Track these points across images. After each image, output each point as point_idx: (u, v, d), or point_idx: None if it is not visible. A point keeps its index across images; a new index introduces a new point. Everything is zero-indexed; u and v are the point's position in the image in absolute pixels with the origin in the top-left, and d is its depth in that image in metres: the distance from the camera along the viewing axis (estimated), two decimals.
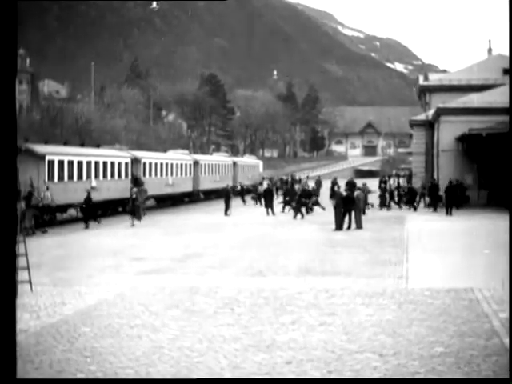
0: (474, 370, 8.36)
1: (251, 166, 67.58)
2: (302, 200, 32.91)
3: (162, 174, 44.33)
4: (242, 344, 9.70)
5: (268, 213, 35.08)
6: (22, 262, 13.46)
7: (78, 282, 15.25)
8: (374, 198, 38.42)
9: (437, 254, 19.05)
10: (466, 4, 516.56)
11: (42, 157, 30.98)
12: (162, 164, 44.66)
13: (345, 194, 27.91)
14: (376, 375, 8.26)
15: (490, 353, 9.02)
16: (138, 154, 42.93)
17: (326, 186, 48.73)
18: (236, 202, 42.94)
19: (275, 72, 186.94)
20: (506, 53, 51.18)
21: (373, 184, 46.03)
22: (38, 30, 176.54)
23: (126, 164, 39.23)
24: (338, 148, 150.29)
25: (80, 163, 34.11)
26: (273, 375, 8.33)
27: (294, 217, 31.86)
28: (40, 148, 31.98)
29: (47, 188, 30.14)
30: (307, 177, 68.19)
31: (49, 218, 30.08)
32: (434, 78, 54.18)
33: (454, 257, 18.23)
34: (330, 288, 13.88)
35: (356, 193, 29.09)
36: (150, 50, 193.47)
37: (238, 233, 26.38)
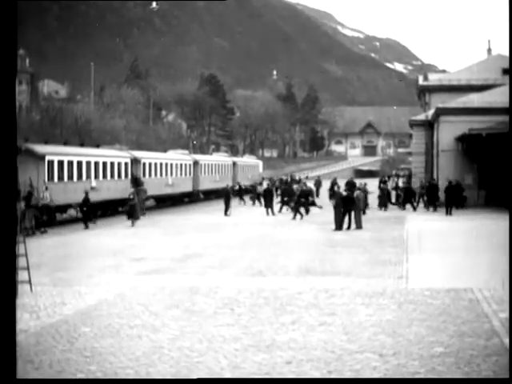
0: (473, 369, 8.35)
1: (251, 166, 67.60)
2: (300, 200, 32.91)
3: (161, 174, 44.34)
4: (241, 344, 9.70)
5: (268, 213, 35.08)
6: (21, 262, 13.47)
7: (78, 282, 15.26)
8: (372, 199, 38.39)
9: (437, 253, 19.05)
10: (465, 4, 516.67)
11: (41, 157, 30.99)
12: (161, 164, 44.68)
13: (344, 193, 27.92)
14: (376, 375, 8.26)
15: (489, 353, 9.02)
16: (138, 154, 42.93)
17: (325, 186, 48.77)
18: (235, 202, 42.96)
19: (275, 72, 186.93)
20: (506, 53, 51.21)
21: (373, 184, 46.04)
22: (37, 29, 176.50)
23: (126, 164, 39.24)
24: (337, 148, 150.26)
25: (80, 163, 34.12)
26: (273, 375, 8.33)
27: (294, 217, 31.86)
28: (40, 148, 31.98)
29: (46, 188, 30.13)
30: (306, 177, 68.26)
31: (48, 218, 30.06)
32: (434, 78, 54.14)
33: (454, 257, 18.23)
34: (329, 288, 13.88)
35: (356, 193, 29.09)
36: (150, 50, 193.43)
37: (238, 233, 26.38)
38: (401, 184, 45.78)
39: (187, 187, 49.05)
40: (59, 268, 17.49)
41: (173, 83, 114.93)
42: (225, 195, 37.23)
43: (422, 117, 47.50)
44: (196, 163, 50.98)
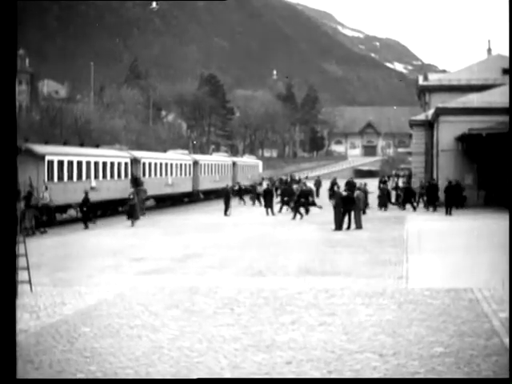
0: (473, 369, 8.35)
1: (251, 166, 67.61)
2: (300, 200, 32.91)
3: (161, 174, 44.35)
4: (241, 344, 9.70)
5: (268, 213, 35.08)
6: (21, 262, 13.47)
7: (78, 282, 15.26)
8: (372, 199, 38.40)
9: (437, 253, 19.04)
10: (465, 4, 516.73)
11: (41, 157, 30.99)
12: (161, 164, 44.69)
13: (344, 193, 27.92)
14: (376, 375, 8.26)
15: (489, 353, 9.02)
16: (138, 154, 42.94)
17: (325, 186, 48.75)
18: (235, 202, 42.96)
19: (275, 72, 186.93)
20: (506, 53, 51.22)
21: (373, 184, 46.04)
22: (37, 29, 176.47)
23: (126, 164, 39.25)
24: (337, 148, 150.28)
25: (80, 163, 34.12)
26: (273, 375, 8.33)
27: (294, 217, 31.86)
28: (40, 148, 31.99)
29: (46, 188, 30.13)
30: (306, 177, 68.23)
31: (47, 218, 30.05)
32: (434, 78, 54.16)
33: (454, 256, 18.23)
34: (329, 288, 13.88)
35: (356, 193, 29.10)
36: (150, 50, 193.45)
37: (238, 233, 26.37)
38: (401, 184, 45.80)
39: (187, 187, 49.05)
40: (59, 268, 17.49)
41: (172, 83, 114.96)
42: (225, 195, 37.23)
43: (421, 117, 47.50)
44: (196, 163, 50.99)
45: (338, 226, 26.13)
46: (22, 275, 13.51)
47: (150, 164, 42.81)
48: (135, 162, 40.68)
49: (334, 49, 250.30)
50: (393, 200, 40.04)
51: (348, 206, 26.48)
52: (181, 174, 47.76)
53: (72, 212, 34.12)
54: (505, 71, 46.34)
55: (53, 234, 27.75)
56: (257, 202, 43.98)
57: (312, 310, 11.89)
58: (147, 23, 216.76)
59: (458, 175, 37.86)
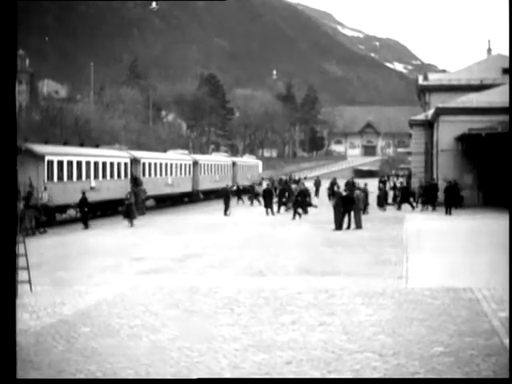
0: (473, 369, 8.35)
1: (251, 166, 67.60)
2: (298, 199, 32.92)
3: (161, 174, 44.35)
4: (241, 344, 9.70)
5: (267, 213, 35.08)
6: (21, 262, 13.47)
7: (78, 282, 15.25)
8: (371, 198, 38.38)
9: (436, 253, 19.04)
10: (465, 4, 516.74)
11: (41, 157, 30.99)
12: (161, 164, 44.69)
13: (344, 193, 27.93)
14: (376, 375, 8.26)
15: (489, 353, 9.02)
16: (138, 154, 42.95)
17: (325, 186, 48.75)
18: (233, 202, 42.94)
19: (274, 72, 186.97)
20: (506, 53, 51.29)
21: (373, 184, 46.02)
22: (38, 30, 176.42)
23: (126, 164, 39.25)
24: (337, 148, 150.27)
25: (79, 163, 34.12)
26: (273, 375, 8.33)
27: (293, 217, 31.87)
28: (39, 148, 31.99)
29: (45, 188, 30.13)
30: (305, 177, 68.27)
31: (47, 218, 30.05)
32: (434, 78, 54.15)
33: (454, 256, 18.23)
34: (329, 288, 13.88)
35: (356, 193, 29.10)
36: (150, 50, 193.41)
37: (238, 233, 26.37)
38: (398, 184, 45.81)
39: (187, 187, 49.06)
40: (59, 268, 17.49)
41: (172, 83, 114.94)
42: (224, 195, 37.24)
43: (421, 117, 47.51)
44: (196, 163, 50.98)
45: (338, 226, 26.14)
46: (21, 275, 13.51)
47: (149, 164, 42.81)
48: (135, 161, 40.68)
49: (333, 49, 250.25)
50: (389, 200, 40.05)
51: (348, 206, 26.49)
52: (181, 174, 47.77)
53: (72, 212, 34.12)
54: (505, 71, 46.34)
55: (52, 234, 27.75)
56: (255, 201, 43.98)
57: (312, 309, 11.89)
58: (147, 23, 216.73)
59: (458, 175, 37.86)
